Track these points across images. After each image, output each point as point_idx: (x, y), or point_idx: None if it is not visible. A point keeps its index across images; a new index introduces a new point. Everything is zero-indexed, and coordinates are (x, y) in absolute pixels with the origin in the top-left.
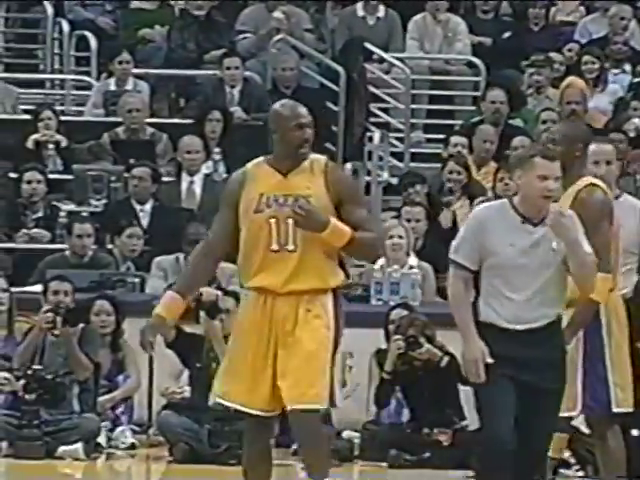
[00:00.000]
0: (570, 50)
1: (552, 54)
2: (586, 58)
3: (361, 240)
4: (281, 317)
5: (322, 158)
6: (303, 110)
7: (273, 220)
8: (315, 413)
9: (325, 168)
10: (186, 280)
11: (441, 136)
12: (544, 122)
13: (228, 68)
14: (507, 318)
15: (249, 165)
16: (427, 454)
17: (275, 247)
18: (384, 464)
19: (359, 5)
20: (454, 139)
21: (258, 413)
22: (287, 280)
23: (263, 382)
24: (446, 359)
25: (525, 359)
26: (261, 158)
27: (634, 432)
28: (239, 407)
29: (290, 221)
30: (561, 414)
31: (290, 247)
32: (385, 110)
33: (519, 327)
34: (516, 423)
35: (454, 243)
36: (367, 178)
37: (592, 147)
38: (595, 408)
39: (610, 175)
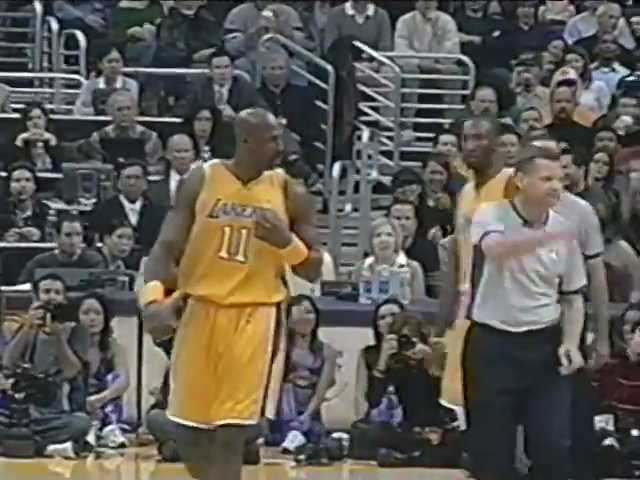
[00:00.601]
0: (555, 47)
1: (542, 53)
2: (570, 56)
3: (312, 261)
4: (223, 329)
5: (281, 172)
6: (275, 120)
7: (228, 228)
8: (239, 428)
9: (285, 183)
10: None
11: (431, 135)
12: (525, 121)
13: (217, 67)
14: (506, 320)
15: (205, 166)
16: (417, 453)
17: (224, 255)
18: (374, 463)
19: (348, 4)
20: (443, 138)
21: (208, 427)
22: (231, 291)
23: (206, 396)
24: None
25: (525, 362)
26: (217, 161)
27: (634, 432)
28: (191, 423)
29: (244, 232)
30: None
31: (240, 258)
32: (374, 109)
33: (518, 329)
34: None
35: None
36: (356, 177)
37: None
38: None
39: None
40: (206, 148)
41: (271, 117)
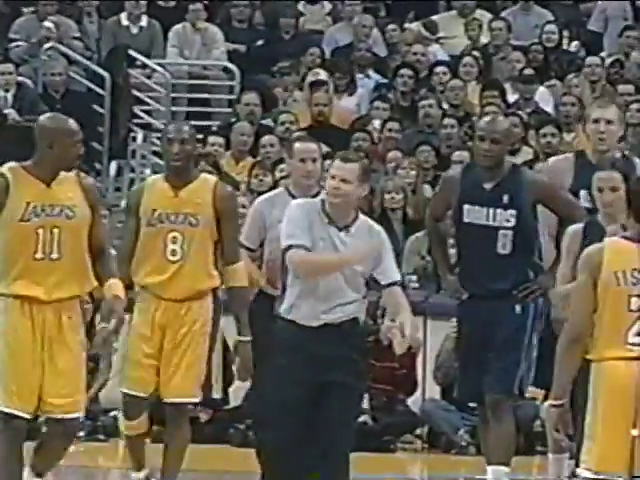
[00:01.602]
0: (312, 54)
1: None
2: (340, 59)
3: None
4: (47, 325)
5: (73, 173)
6: (77, 126)
7: (41, 230)
8: (72, 422)
9: (79, 179)
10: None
11: (199, 136)
12: (282, 124)
13: (2, 73)
14: (304, 315)
15: (5, 172)
16: None
17: (40, 255)
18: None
19: (123, 15)
20: (212, 139)
21: (25, 415)
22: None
23: (31, 386)
24: None
25: (321, 356)
26: (15, 165)
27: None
28: (10, 411)
29: (56, 230)
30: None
31: (54, 255)
32: (147, 112)
33: (314, 324)
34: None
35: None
36: (131, 175)
37: (297, 145)
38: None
39: (318, 171)
40: None
41: (74, 123)
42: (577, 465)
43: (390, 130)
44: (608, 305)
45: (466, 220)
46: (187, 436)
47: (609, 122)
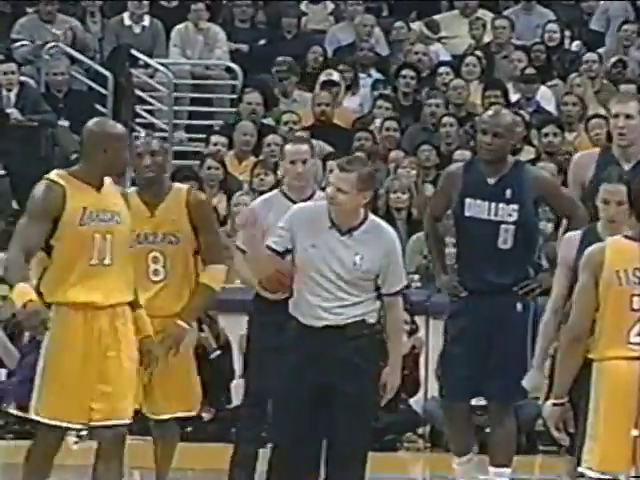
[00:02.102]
0: (314, 52)
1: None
2: (341, 67)
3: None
4: (103, 332)
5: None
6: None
7: (97, 235)
8: (119, 428)
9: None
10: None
11: (202, 135)
12: (285, 123)
13: (5, 73)
14: (305, 314)
15: (57, 179)
16: (189, 429)
17: (95, 261)
18: (149, 438)
19: (126, 15)
20: (214, 138)
21: (77, 426)
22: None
23: (85, 397)
24: (217, 353)
25: (324, 358)
26: (62, 172)
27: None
28: (57, 423)
29: (109, 236)
30: None
31: (107, 261)
32: (150, 112)
33: (316, 324)
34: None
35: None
36: (133, 175)
37: (287, 147)
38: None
39: (310, 173)
40: None
41: (122, 127)
42: (579, 464)
43: (388, 129)
44: (610, 304)
45: (467, 214)
46: (177, 436)
47: (629, 117)
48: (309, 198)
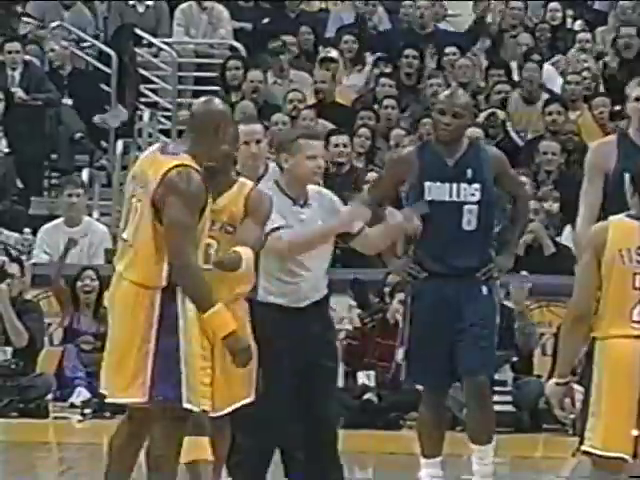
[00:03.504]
0: (314, 32)
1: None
2: (346, 37)
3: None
4: None
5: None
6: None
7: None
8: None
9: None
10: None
11: None
12: (291, 102)
13: (9, 52)
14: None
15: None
16: None
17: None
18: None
19: None
20: None
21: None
22: None
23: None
24: None
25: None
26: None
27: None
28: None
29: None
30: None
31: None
32: (154, 91)
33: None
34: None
35: None
36: (138, 153)
37: (241, 127)
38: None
39: (263, 152)
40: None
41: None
42: (581, 443)
43: (387, 107)
44: (613, 283)
45: (428, 198)
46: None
47: None
48: (262, 176)
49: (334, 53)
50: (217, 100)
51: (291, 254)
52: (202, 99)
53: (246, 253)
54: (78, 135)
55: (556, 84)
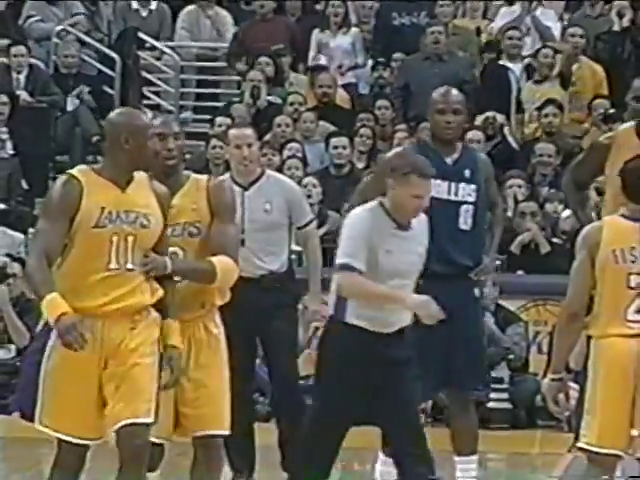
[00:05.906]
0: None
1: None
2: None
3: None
4: (113, 337)
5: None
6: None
7: (115, 237)
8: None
9: (151, 184)
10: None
11: (208, 117)
12: (292, 104)
13: (15, 55)
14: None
15: (78, 174)
16: None
17: (114, 266)
18: None
19: None
20: (219, 119)
21: (86, 442)
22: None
23: (91, 409)
24: None
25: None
26: (84, 167)
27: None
28: (70, 439)
29: (130, 239)
30: None
31: (129, 266)
32: (157, 93)
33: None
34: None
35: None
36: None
37: (232, 131)
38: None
39: (255, 156)
40: (4, 129)
41: (146, 116)
42: (576, 439)
43: (380, 108)
44: (607, 283)
45: None
46: None
47: None
48: (257, 180)
49: (323, 60)
50: (123, 110)
51: (344, 295)
52: (117, 110)
53: (222, 263)
54: (95, 138)
55: (557, 30)
